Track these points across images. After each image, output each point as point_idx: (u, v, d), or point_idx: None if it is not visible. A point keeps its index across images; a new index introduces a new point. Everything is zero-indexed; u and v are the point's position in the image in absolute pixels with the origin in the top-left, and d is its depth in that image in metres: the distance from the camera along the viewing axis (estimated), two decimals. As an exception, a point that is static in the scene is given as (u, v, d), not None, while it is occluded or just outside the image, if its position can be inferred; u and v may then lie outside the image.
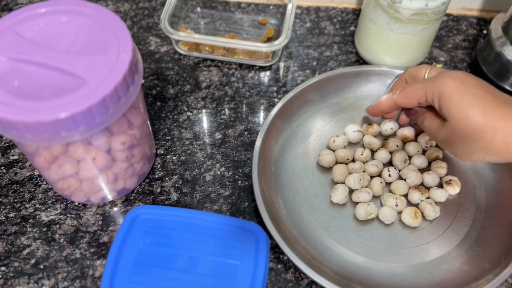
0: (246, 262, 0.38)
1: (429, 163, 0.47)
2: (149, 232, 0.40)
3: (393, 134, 0.49)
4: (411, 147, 0.47)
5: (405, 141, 0.48)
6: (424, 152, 0.47)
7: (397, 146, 0.47)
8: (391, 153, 0.47)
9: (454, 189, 0.45)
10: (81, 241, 0.42)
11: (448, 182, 0.45)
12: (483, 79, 0.53)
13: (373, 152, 0.48)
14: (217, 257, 0.38)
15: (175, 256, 0.38)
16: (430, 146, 0.47)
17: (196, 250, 0.39)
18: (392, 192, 0.45)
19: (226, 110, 0.51)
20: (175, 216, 0.41)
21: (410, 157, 0.47)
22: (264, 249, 0.39)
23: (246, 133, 0.50)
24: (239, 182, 0.46)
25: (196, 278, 0.37)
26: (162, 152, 0.48)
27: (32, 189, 0.45)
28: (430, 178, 0.45)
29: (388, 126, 0.48)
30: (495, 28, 0.52)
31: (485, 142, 0.34)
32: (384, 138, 0.49)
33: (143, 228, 0.40)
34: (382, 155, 0.46)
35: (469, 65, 0.56)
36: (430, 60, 0.57)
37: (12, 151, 0.47)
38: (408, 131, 0.48)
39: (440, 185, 0.46)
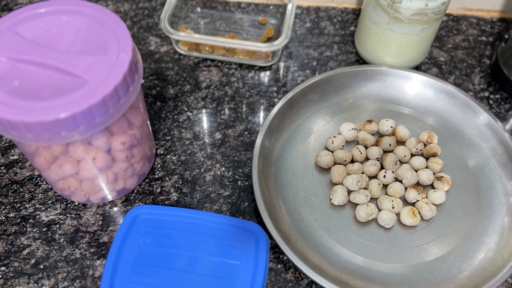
0: (246, 262, 0.38)
1: (427, 158, 0.47)
2: (149, 232, 0.40)
3: (391, 133, 0.49)
4: (399, 150, 0.47)
5: (400, 140, 0.48)
6: (412, 155, 0.47)
7: (390, 145, 0.47)
8: (384, 151, 0.47)
9: (443, 186, 0.45)
10: (81, 241, 0.42)
11: (439, 178, 0.45)
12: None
13: (366, 148, 0.48)
14: (217, 257, 0.38)
15: (175, 256, 0.38)
16: (420, 150, 0.47)
17: (196, 250, 0.39)
18: (389, 195, 0.44)
19: (226, 110, 0.51)
20: (175, 216, 0.41)
21: (412, 155, 0.47)
22: (264, 249, 0.39)
23: (246, 133, 0.50)
24: (239, 182, 0.46)
25: (196, 278, 0.37)
26: (162, 152, 0.48)
27: (32, 189, 0.45)
28: (425, 175, 0.45)
29: (388, 125, 0.48)
30: None
31: None
32: (379, 136, 0.49)
33: (143, 228, 0.40)
34: (374, 151, 0.46)
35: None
36: (430, 60, 0.57)
37: (12, 151, 0.47)
38: (405, 132, 0.48)
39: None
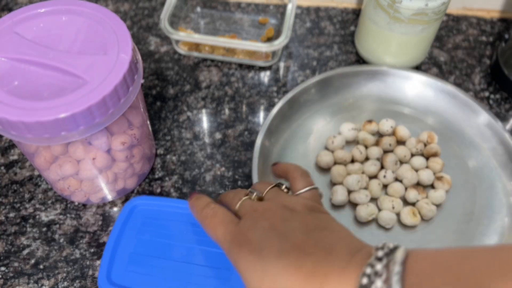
0: None
1: (427, 158, 0.47)
2: (147, 222, 0.40)
3: (391, 133, 0.49)
4: (399, 150, 0.47)
5: (400, 140, 0.48)
6: (412, 155, 0.47)
7: (390, 145, 0.47)
8: (384, 151, 0.47)
9: (443, 186, 0.44)
10: (81, 241, 0.42)
11: (439, 178, 0.45)
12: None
13: (366, 148, 0.48)
14: (214, 248, 0.38)
15: (173, 247, 0.38)
16: (420, 150, 0.47)
17: (194, 241, 0.39)
18: (389, 195, 0.44)
19: (226, 110, 0.51)
20: (173, 207, 0.41)
21: (412, 155, 0.47)
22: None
23: (246, 133, 0.50)
24: (239, 182, 0.46)
25: (193, 268, 0.37)
26: (162, 152, 0.48)
27: (32, 189, 0.45)
28: (425, 175, 0.45)
29: (388, 125, 0.48)
30: None
31: None
32: (379, 136, 0.49)
33: (141, 218, 0.40)
34: (374, 151, 0.46)
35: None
36: (430, 60, 0.57)
37: (12, 151, 0.47)
38: (405, 132, 0.48)
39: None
